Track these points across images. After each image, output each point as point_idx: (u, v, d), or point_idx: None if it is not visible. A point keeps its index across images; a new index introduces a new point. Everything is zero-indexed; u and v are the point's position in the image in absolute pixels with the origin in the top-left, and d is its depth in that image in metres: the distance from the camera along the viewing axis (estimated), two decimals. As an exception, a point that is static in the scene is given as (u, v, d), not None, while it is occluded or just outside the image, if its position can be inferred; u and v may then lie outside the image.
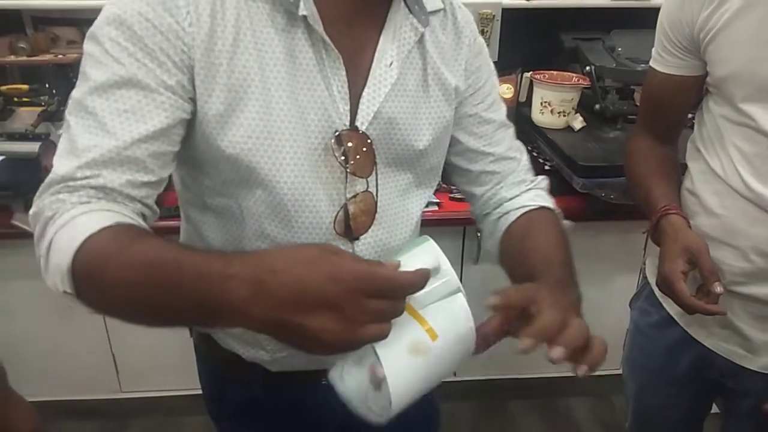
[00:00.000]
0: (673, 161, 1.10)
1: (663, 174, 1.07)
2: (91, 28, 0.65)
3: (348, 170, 0.73)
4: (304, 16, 0.66)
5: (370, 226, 0.77)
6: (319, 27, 0.68)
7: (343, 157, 0.72)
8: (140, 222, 0.63)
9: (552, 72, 1.84)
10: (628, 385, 1.27)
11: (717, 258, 0.96)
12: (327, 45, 0.69)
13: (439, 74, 0.79)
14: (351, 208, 0.75)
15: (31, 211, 0.64)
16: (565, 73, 1.84)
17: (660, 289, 0.98)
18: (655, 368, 1.16)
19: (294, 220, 0.73)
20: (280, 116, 0.69)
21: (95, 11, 0.66)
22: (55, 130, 1.60)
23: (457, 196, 1.66)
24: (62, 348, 1.85)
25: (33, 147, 1.56)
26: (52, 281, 0.59)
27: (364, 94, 0.73)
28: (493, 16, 1.81)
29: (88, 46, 0.65)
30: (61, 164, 0.63)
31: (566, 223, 0.86)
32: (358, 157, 0.73)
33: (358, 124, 0.73)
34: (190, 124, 0.69)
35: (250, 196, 0.72)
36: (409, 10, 0.74)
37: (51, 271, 0.59)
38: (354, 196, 0.74)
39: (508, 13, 1.85)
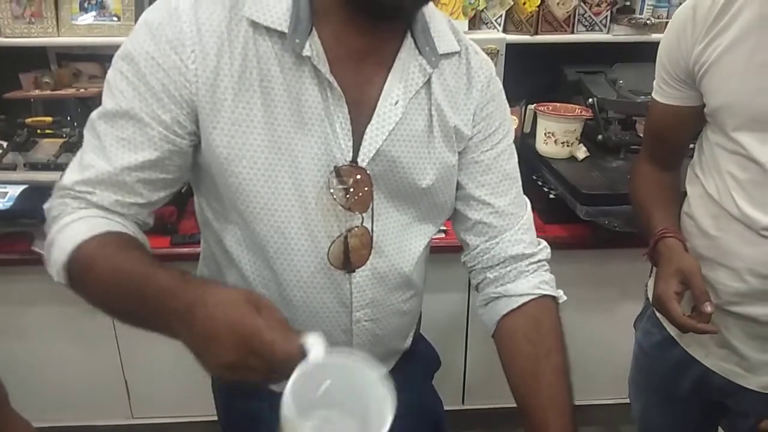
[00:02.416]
0: (674, 187, 1.14)
1: (664, 199, 1.11)
2: (114, 58, 0.73)
3: (345, 205, 0.75)
4: (308, 57, 0.70)
5: (367, 260, 0.80)
6: (324, 67, 0.71)
7: (342, 192, 0.74)
8: (130, 229, 0.74)
9: (555, 104, 1.89)
10: (634, 405, 1.29)
11: (713, 278, 1.00)
12: (331, 84, 0.72)
13: (443, 118, 0.80)
14: (351, 242, 0.77)
15: (45, 206, 0.76)
16: (568, 105, 1.89)
17: (655, 308, 1.01)
18: (658, 388, 1.19)
19: (291, 250, 0.77)
20: (282, 150, 0.72)
21: (115, 48, 0.73)
22: (75, 161, 1.66)
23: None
24: (76, 373, 1.87)
25: (54, 177, 1.61)
26: (52, 271, 0.71)
27: (367, 130, 0.75)
28: (498, 50, 1.87)
29: (108, 74, 0.73)
30: (70, 173, 0.73)
31: (560, 293, 0.88)
32: (357, 191, 0.75)
33: (359, 159, 0.75)
34: (197, 153, 0.74)
35: (248, 223, 0.76)
36: (420, 51, 0.76)
37: (51, 264, 0.71)
38: (350, 230, 0.77)
39: (512, 47, 1.91)
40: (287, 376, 0.56)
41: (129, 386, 1.91)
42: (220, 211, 0.79)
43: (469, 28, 1.96)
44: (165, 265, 0.67)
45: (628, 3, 2.04)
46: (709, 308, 0.93)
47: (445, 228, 1.70)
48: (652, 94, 1.11)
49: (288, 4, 0.70)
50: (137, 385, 1.92)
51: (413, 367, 1.00)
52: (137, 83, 0.70)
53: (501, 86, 0.86)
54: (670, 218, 1.08)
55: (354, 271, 0.80)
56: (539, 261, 0.88)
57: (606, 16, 2.02)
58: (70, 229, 0.70)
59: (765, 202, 0.93)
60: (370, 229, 0.78)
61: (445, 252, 1.70)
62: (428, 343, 1.08)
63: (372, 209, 0.78)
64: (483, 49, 1.92)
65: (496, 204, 0.85)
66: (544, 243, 0.90)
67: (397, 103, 0.75)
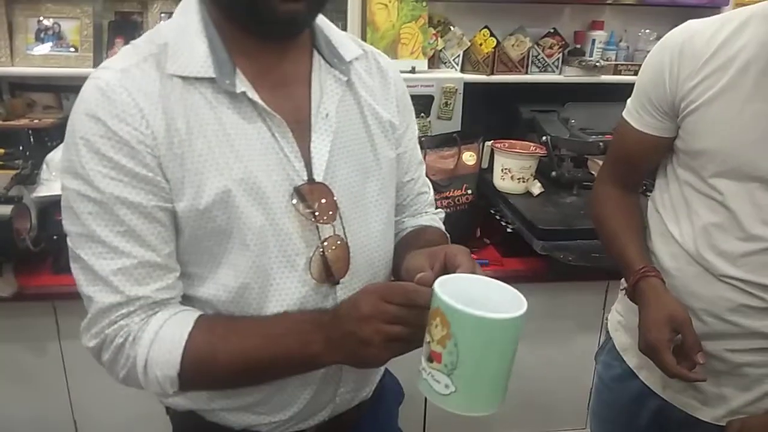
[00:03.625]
0: (640, 211, 1.14)
1: (633, 228, 1.10)
2: (67, 164, 0.71)
3: (314, 220, 0.77)
4: (243, 92, 0.73)
5: (348, 267, 0.81)
6: (259, 99, 0.74)
7: (309, 209, 0.77)
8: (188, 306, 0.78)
9: (511, 141, 1.95)
10: None
11: None
12: (269, 113, 0.75)
13: (375, 113, 0.85)
14: (329, 255, 0.79)
15: (90, 344, 0.75)
16: (524, 143, 1.95)
17: (645, 354, 0.99)
18: (618, 420, 1.20)
19: (272, 273, 0.77)
20: (248, 186, 0.74)
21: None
22: (28, 194, 1.61)
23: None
24: (23, 414, 1.78)
25: (6, 210, 1.56)
26: (157, 388, 0.74)
27: (311, 148, 0.79)
28: (456, 89, 1.93)
29: (67, 186, 0.71)
30: (101, 294, 0.72)
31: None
32: (320, 205, 0.78)
33: (315, 175, 0.78)
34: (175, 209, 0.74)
35: (227, 264, 0.77)
36: (330, 64, 0.81)
37: (152, 382, 0.73)
38: (324, 242, 0.79)
39: (470, 87, 1.97)
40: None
41: (78, 427, 1.83)
42: (196, 260, 0.79)
43: (429, 67, 2.01)
44: (267, 322, 0.77)
45: (578, 46, 2.15)
46: (701, 360, 0.93)
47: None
48: (625, 117, 1.07)
49: (204, 50, 0.72)
50: (87, 426, 1.84)
51: (382, 403, 1.01)
52: (109, 171, 0.69)
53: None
54: (644, 251, 1.07)
55: (339, 282, 0.81)
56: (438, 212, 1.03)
57: (558, 58, 2.11)
58: (162, 340, 0.73)
59: (726, 249, 0.95)
60: (343, 235, 0.81)
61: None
62: (393, 377, 1.09)
63: (340, 217, 0.80)
64: (442, 88, 1.98)
65: (415, 188, 0.98)
66: (441, 210, 1.05)
67: (327, 115, 0.80)
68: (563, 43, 2.10)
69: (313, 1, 0.72)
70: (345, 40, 0.85)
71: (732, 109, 0.90)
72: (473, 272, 0.68)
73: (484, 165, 2.02)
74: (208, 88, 0.73)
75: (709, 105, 0.92)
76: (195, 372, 0.73)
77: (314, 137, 0.79)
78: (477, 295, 0.63)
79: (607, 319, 1.26)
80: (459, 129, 1.96)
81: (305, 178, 0.78)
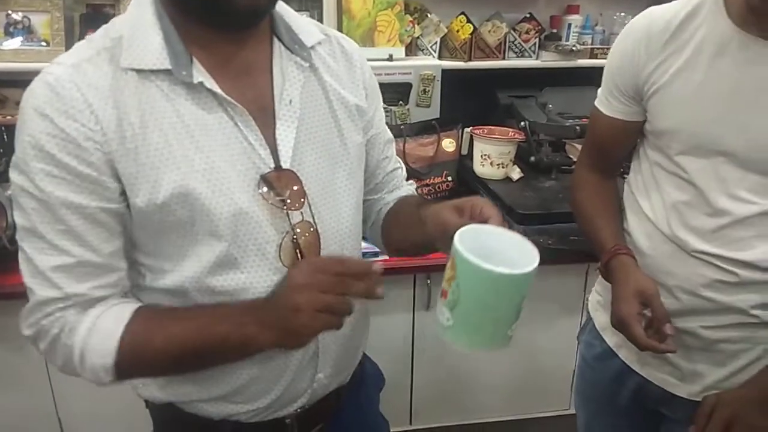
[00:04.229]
0: (617, 195, 1.17)
1: (610, 212, 1.13)
2: (15, 159, 0.71)
3: (282, 207, 0.77)
4: (201, 82, 0.72)
5: (320, 251, 0.82)
6: (217, 88, 0.73)
7: (275, 196, 0.77)
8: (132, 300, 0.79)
9: (490, 127, 1.96)
10: (579, 415, 1.33)
11: None
12: (230, 102, 0.74)
13: (341, 98, 0.85)
14: (301, 241, 0.79)
15: (27, 332, 0.75)
16: (503, 128, 1.96)
17: (616, 329, 1.01)
18: (600, 398, 1.23)
19: (242, 262, 0.77)
20: (213, 177, 0.73)
21: None
22: (2, 192, 1.59)
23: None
24: (7, 414, 1.77)
25: (-22, 208, 1.54)
26: (92, 376, 0.74)
27: (276, 135, 0.78)
28: (434, 77, 1.93)
29: (15, 180, 0.71)
30: (40, 288, 0.72)
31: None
32: (288, 192, 0.78)
33: (282, 162, 0.78)
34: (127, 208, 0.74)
35: (194, 255, 0.76)
36: (291, 50, 0.81)
37: (89, 369, 0.73)
38: (293, 228, 0.79)
39: (447, 73, 1.98)
40: (366, 291, 0.69)
41: (63, 423, 1.82)
42: (161, 252, 0.78)
43: (406, 55, 2.01)
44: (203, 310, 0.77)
45: (555, 31, 2.16)
46: (669, 330, 0.95)
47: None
48: (596, 105, 1.11)
49: (159, 42, 0.72)
50: (71, 421, 1.83)
51: (362, 388, 1.02)
52: (52, 169, 0.69)
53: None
54: (618, 232, 1.10)
55: None
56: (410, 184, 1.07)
57: (535, 43, 2.12)
58: (98, 331, 0.73)
59: (696, 225, 0.98)
60: (312, 221, 0.81)
61: (389, 274, 1.74)
62: (373, 363, 1.10)
63: (308, 203, 0.80)
64: (420, 75, 1.98)
65: (389, 166, 1.00)
66: (411, 181, 1.09)
67: (291, 102, 0.80)
68: (539, 28, 2.11)
69: None
70: (306, 25, 0.84)
71: (689, 88, 0.94)
72: (501, 224, 0.72)
73: (464, 151, 2.03)
74: (165, 80, 0.72)
75: (669, 85, 0.96)
76: (131, 360, 0.73)
77: (279, 124, 0.78)
78: (494, 247, 0.69)
79: (587, 299, 1.28)
80: (438, 116, 1.96)
81: (272, 165, 0.77)
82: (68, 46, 1.86)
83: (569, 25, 2.13)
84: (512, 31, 2.10)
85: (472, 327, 0.69)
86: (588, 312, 1.27)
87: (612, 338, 1.16)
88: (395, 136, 1.80)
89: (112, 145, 0.70)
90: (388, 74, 1.88)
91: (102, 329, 0.73)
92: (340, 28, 1.91)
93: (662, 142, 1.01)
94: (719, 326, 1.00)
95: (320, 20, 1.92)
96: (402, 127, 1.86)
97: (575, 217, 1.20)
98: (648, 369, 1.11)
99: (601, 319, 1.19)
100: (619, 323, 0.99)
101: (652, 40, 0.97)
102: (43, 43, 1.79)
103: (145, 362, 0.75)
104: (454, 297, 0.68)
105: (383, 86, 2.10)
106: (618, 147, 1.12)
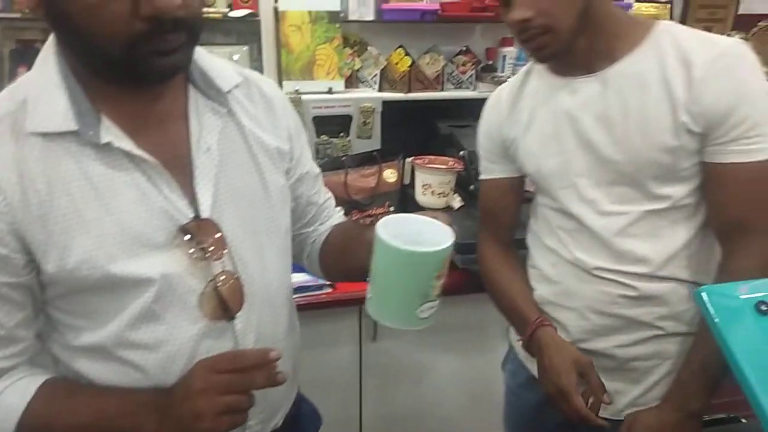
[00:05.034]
0: (520, 263, 1.23)
1: (520, 282, 1.19)
2: None
3: (203, 257, 0.76)
4: (110, 142, 0.71)
5: (242, 303, 0.81)
6: (128, 145, 0.72)
7: (200, 246, 0.76)
8: (37, 367, 0.78)
9: (431, 156, 1.98)
10: None
11: (562, 319, 1.09)
12: (142, 159, 0.73)
13: (260, 141, 0.85)
14: (223, 291, 0.78)
15: None
16: (443, 158, 1.99)
17: (553, 400, 1.03)
18: (527, 426, 1.26)
19: (163, 315, 0.76)
20: (128, 236, 0.72)
21: None
22: None
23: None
24: None
25: None
26: None
27: (195, 184, 0.77)
28: (374, 108, 1.96)
29: None
30: None
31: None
32: (209, 242, 0.77)
33: (201, 212, 0.77)
34: (38, 278, 0.73)
35: (113, 305, 0.74)
36: (207, 96, 0.80)
37: None
38: (213, 279, 0.77)
39: (388, 105, 2.01)
40: (266, 381, 0.71)
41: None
42: (79, 312, 0.76)
43: (348, 87, 2.03)
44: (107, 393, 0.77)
45: (490, 62, 2.23)
46: (607, 400, 0.99)
47: (331, 282, 1.71)
48: (481, 179, 1.24)
49: (65, 103, 0.70)
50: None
51: (298, 430, 1.00)
52: None
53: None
54: (531, 301, 1.16)
55: (234, 317, 0.80)
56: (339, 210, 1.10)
57: (472, 75, 2.18)
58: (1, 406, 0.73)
59: (589, 246, 1.05)
60: (234, 269, 0.80)
61: (335, 306, 1.73)
62: (309, 403, 1.08)
63: (229, 251, 0.79)
64: (360, 107, 2.00)
65: (320, 200, 1.03)
66: (340, 207, 1.12)
67: (209, 149, 0.78)
68: (476, 60, 2.17)
69: (190, 47, 0.71)
70: (223, 70, 0.83)
71: (536, 134, 1.09)
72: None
73: (406, 181, 2.05)
74: (72, 141, 0.70)
75: (524, 136, 1.11)
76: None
77: (197, 173, 0.78)
78: (416, 230, 0.76)
79: (508, 329, 1.31)
80: (379, 147, 1.99)
81: (190, 216, 0.76)
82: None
83: (504, 57, 2.20)
84: (450, 63, 2.15)
85: (383, 300, 0.75)
86: (510, 342, 1.30)
87: (534, 366, 1.18)
88: (336, 168, 1.84)
89: (17, 215, 0.68)
90: (328, 107, 1.89)
91: (4, 406, 0.72)
92: (279, 62, 1.92)
93: (539, 185, 1.12)
94: (631, 344, 1.05)
95: (259, 54, 1.92)
96: (343, 158, 1.87)
97: (487, 289, 1.25)
98: None
99: (522, 348, 1.22)
100: (558, 394, 1.01)
101: (502, 108, 1.15)
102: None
103: None
104: (373, 273, 0.75)
105: (324, 119, 2.12)
106: (508, 207, 1.23)
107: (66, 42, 0.71)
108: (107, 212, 0.71)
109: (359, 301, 1.72)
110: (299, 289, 1.61)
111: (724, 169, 0.95)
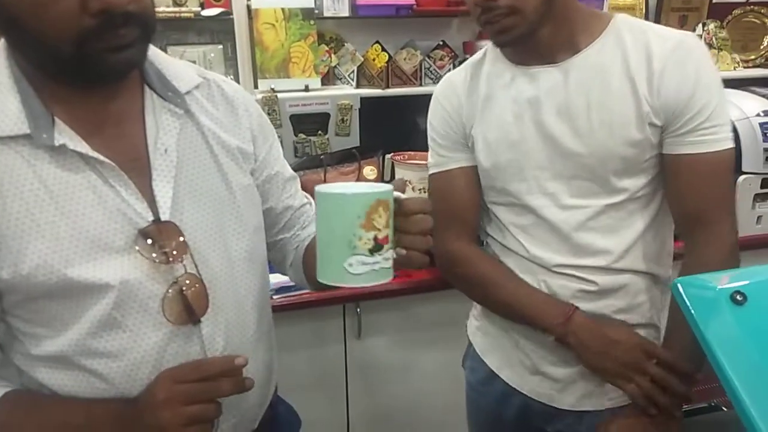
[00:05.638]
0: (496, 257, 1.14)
1: (517, 276, 1.08)
2: None
3: (164, 261, 0.75)
4: (63, 144, 0.69)
5: (207, 306, 0.79)
6: (83, 147, 0.70)
7: (157, 250, 0.74)
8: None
9: (410, 153, 1.97)
10: None
11: None
12: (98, 160, 0.71)
13: (221, 141, 0.83)
14: (188, 294, 0.77)
15: None
16: (422, 154, 1.97)
17: (619, 376, 0.99)
18: (488, 420, 1.24)
19: (124, 322, 0.74)
20: (73, 243, 0.70)
21: None
22: None
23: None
24: None
25: None
26: None
27: (153, 186, 0.76)
28: (351, 105, 1.94)
29: None
30: None
31: None
32: (171, 245, 0.75)
33: (161, 214, 0.76)
34: None
35: (72, 311, 0.73)
36: (164, 98, 0.79)
37: None
38: (176, 282, 0.76)
39: (366, 101, 1.99)
40: (233, 387, 0.71)
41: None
42: (37, 320, 0.74)
43: (325, 84, 2.02)
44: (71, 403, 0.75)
45: (468, 56, 2.20)
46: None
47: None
48: (432, 173, 1.14)
49: (16, 106, 0.69)
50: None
51: None
52: None
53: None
54: (546, 293, 1.06)
55: (200, 321, 0.79)
56: None
57: (449, 69, 2.17)
58: None
59: (547, 241, 1.03)
60: (197, 273, 0.78)
61: (318, 305, 1.71)
62: (287, 405, 1.07)
63: (191, 254, 0.77)
64: (337, 105, 1.98)
65: (295, 204, 0.99)
66: None
67: (166, 151, 0.77)
68: (453, 54, 2.17)
69: (144, 42, 0.70)
70: (180, 71, 0.82)
71: (493, 121, 1.05)
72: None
73: (387, 177, 2.04)
74: (25, 145, 0.69)
75: (480, 125, 1.06)
76: None
77: (155, 175, 0.76)
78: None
79: (467, 325, 1.30)
80: (358, 144, 1.97)
81: (150, 219, 0.75)
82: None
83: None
84: (427, 58, 2.14)
85: (318, 257, 0.72)
86: (468, 338, 1.28)
87: (493, 361, 1.18)
88: (315, 167, 1.83)
89: None
90: (305, 105, 1.87)
91: None
92: (254, 61, 1.90)
93: (491, 177, 1.07)
94: None
95: (233, 53, 1.90)
96: (322, 156, 1.86)
97: (469, 288, 1.16)
98: (530, 386, 1.12)
99: (480, 342, 1.22)
100: (625, 368, 0.98)
101: (458, 94, 1.09)
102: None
103: None
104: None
105: (301, 117, 2.09)
106: (474, 198, 1.12)
107: (16, 45, 0.70)
108: (63, 216, 0.70)
109: (343, 300, 1.72)
110: (282, 289, 1.59)
111: (682, 160, 0.95)
